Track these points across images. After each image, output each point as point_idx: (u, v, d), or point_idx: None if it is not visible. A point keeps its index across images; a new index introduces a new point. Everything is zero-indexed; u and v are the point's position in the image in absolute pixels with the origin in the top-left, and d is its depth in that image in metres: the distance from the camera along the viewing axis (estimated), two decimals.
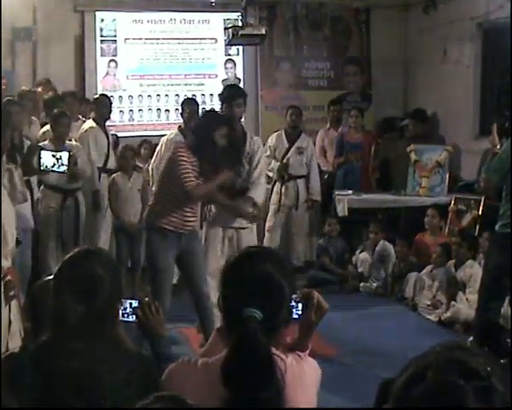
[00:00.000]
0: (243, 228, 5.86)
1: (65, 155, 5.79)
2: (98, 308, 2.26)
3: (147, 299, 2.58)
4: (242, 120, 6.20)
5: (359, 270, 7.80)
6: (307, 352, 2.14)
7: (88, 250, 2.42)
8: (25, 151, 5.93)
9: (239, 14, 8.09)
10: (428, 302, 6.77)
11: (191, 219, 5.27)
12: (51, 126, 6.76)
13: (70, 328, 2.23)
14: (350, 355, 5.69)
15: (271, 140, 8.31)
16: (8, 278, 3.15)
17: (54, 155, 5.75)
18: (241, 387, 1.80)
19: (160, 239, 5.20)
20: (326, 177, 8.92)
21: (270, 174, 8.18)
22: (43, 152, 5.75)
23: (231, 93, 5.98)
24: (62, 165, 5.74)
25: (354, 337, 6.09)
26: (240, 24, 7.94)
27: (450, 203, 7.92)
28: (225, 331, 2.04)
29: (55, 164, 5.71)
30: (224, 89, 6.18)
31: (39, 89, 8.06)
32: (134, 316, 2.49)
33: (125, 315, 2.47)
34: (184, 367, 2.10)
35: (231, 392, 1.81)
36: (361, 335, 6.16)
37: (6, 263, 3.18)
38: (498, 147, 5.60)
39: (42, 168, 5.71)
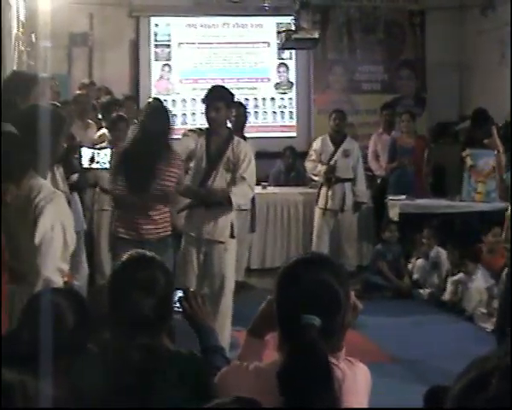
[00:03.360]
0: (219, 241, 5.45)
1: (106, 152, 5.79)
2: (155, 310, 2.28)
3: (192, 290, 2.58)
4: (229, 124, 5.86)
5: (414, 276, 7.71)
6: (343, 351, 2.11)
7: (143, 254, 2.45)
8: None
9: (292, 17, 8.08)
10: (484, 310, 6.64)
11: (147, 226, 4.95)
12: (109, 130, 6.83)
13: (131, 328, 2.26)
14: (401, 362, 5.62)
15: (316, 144, 8.25)
16: (65, 279, 3.20)
17: (94, 152, 5.76)
18: (297, 395, 1.78)
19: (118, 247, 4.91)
20: (379, 181, 8.84)
21: (316, 178, 8.16)
22: (83, 149, 5.72)
23: (210, 95, 5.46)
24: (104, 162, 5.75)
25: (406, 344, 6.01)
26: (293, 28, 7.93)
27: (507, 209, 7.74)
28: (281, 338, 2.02)
29: (95, 161, 5.72)
30: (208, 90, 5.57)
31: (82, 91, 8.16)
32: (180, 307, 2.49)
33: None
34: (237, 371, 2.11)
35: (287, 399, 1.79)
36: (413, 342, 6.08)
37: (66, 266, 3.22)
38: (501, 150, 5.43)
39: (83, 166, 5.72)
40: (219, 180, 5.44)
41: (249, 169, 5.49)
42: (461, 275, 7.06)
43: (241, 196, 5.48)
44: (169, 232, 5.09)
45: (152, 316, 2.27)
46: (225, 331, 5.24)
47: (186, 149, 5.46)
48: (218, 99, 5.36)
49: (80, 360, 2.28)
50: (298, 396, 1.78)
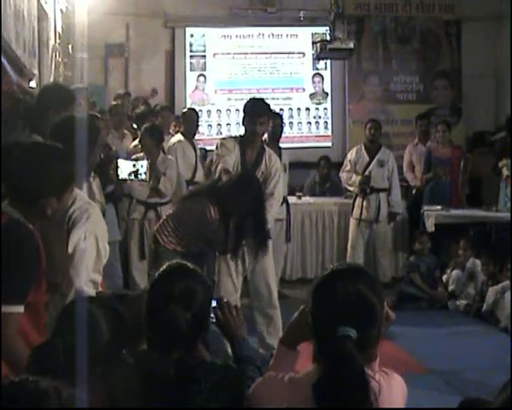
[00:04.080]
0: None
1: (143, 164, 5.81)
2: (194, 321, 2.28)
3: (226, 300, 2.58)
4: (265, 136, 5.90)
5: (450, 288, 7.62)
6: (377, 361, 2.10)
7: (184, 264, 2.44)
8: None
9: (327, 28, 8.09)
10: None
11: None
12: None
13: (169, 338, 2.26)
14: (436, 373, 5.57)
15: (351, 154, 8.24)
16: (99, 289, 3.22)
17: (131, 164, 5.77)
18: (333, 406, 1.78)
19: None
20: (414, 192, 8.78)
21: (351, 188, 8.13)
22: (120, 161, 5.74)
23: (256, 108, 5.43)
24: (140, 174, 5.76)
25: (441, 355, 5.95)
26: (328, 38, 7.94)
27: None
28: (316, 349, 2.01)
29: (132, 173, 5.73)
30: (248, 102, 5.57)
31: (118, 102, 8.23)
32: (213, 316, 2.49)
33: None
34: (272, 382, 2.10)
35: None
36: (448, 353, 6.01)
37: (99, 277, 3.24)
38: None
39: (119, 177, 5.73)
40: None
41: (278, 185, 5.51)
42: (506, 282, 6.93)
43: (269, 220, 5.40)
44: None
45: (190, 327, 2.27)
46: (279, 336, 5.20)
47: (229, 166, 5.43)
48: (263, 113, 5.41)
49: (114, 370, 2.30)
50: (334, 408, 1.78)
